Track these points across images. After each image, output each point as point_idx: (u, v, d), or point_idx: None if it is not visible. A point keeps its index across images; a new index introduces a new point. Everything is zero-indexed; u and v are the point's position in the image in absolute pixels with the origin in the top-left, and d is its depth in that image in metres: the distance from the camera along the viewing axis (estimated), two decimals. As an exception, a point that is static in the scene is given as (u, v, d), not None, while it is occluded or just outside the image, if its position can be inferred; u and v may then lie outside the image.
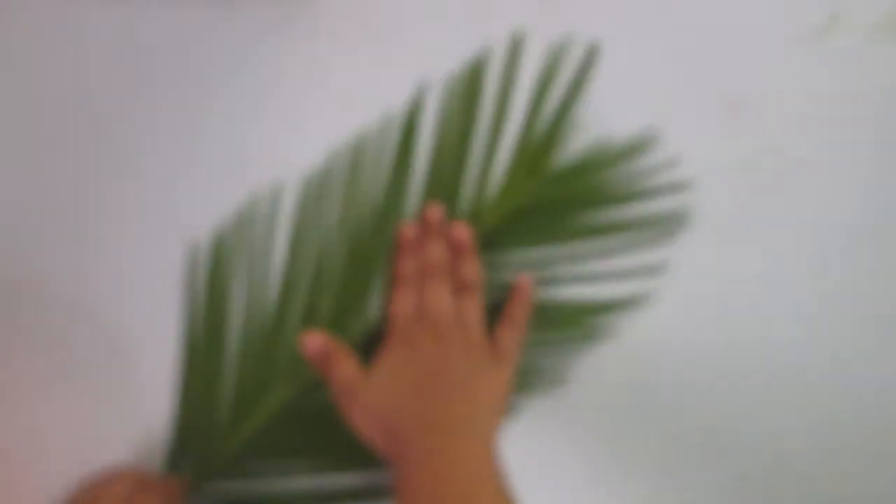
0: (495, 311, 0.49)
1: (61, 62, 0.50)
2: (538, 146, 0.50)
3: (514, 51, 0.51)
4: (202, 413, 0.47)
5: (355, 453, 0.46)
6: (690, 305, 0.50)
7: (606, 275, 0.50)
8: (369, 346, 0.48)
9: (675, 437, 0.49)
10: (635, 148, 0.51)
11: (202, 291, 0.48)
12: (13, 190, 0.49)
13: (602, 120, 0.51)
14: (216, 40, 0.50)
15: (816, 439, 0.49)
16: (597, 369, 0.49)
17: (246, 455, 0.47)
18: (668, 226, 0.50)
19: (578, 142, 0.51)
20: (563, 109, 0.51)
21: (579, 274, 0.50)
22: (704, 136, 0.51)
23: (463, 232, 0.49)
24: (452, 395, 0.44)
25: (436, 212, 0.49)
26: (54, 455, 0.46)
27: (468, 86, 0.51)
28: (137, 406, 0.47)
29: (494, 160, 0.50)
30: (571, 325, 0.50)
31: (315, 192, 0.49)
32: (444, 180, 0.50)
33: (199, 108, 0.50)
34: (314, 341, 0.46)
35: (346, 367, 0.45)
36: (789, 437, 0.49)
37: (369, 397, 0.44)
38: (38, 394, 0.47)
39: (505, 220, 0.50)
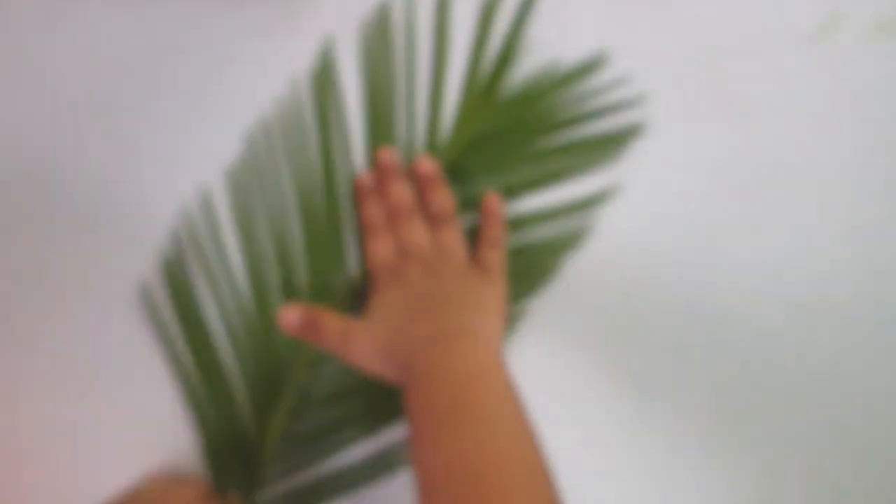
0: (472, 237, 0.48)
1: (61, 61, 0.50)
2: (488, 74, 0.51)
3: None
4: (225, 431, 0.46)
5: (387, 398, 0.47)
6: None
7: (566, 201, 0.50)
8: (356, 304, 0.48)
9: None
10: (586, 68, 0.51)
11: (172, 313, 0.47)
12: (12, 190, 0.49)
13: (551, 43, 0.52)
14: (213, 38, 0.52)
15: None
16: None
17: (285, 450, 0.46)
18: (622, 140, 0.51)
19: (529, 66, 0.51)
20: (511, 35, 0.51)
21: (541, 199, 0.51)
22: (704, 136, 0.52)
23: (427, 164, 0.49)
24: (450, 308, 0.44)
25: (388, 154, 0.49)
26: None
27: (401, 22, 0.52)
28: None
29: (443, 94, 0.51)
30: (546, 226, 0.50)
31: (246, 177, 0.49)
32: (384, 124, 0.50)
33: (195, 107, 0.51)
34: (290, 315, 0.44)
35: (332, 323, 0.44)
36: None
37: (367, 336, 0.43)
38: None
39: (461, 152, 0.50)
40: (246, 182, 0.49)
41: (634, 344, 0.49)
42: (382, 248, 0.47)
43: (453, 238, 0.48)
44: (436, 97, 0.50)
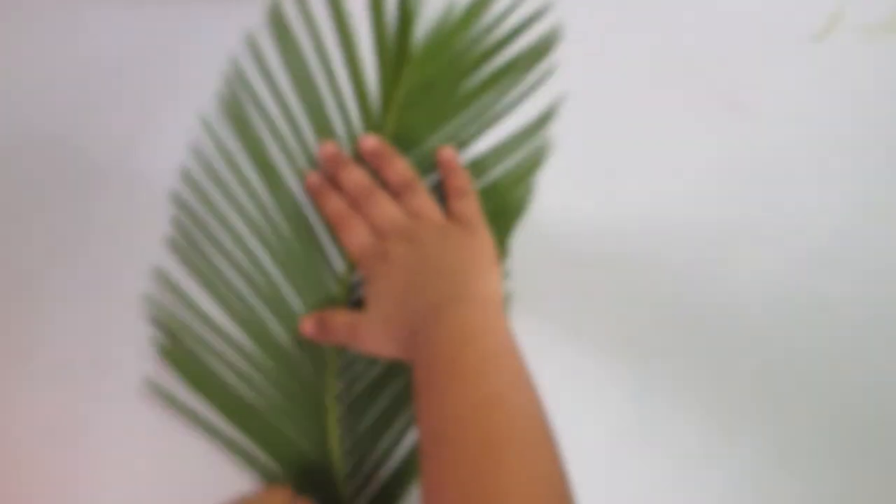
0: (440, 196, 0.48)
1: (61, 61, 0.51)
2: (394, 36, 0.50)
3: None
4: (292, 453, 0.47)
5: None
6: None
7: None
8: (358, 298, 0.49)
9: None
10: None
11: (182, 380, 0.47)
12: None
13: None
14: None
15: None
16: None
17: (353, 460, 0.47)
18: (543, 50, 0.51)
19: (434, 11, 0.51)
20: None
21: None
22: (704, 136, 0.51)
23: (370, 140, 0.49)
24: (441, 275, 0.44)
25: (329, 147, 0.49)
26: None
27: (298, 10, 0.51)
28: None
29: (361, 71, 0.50)
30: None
31: (188, 197, 0.49)
32: (318, 115, 0.49)
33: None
34: (306, 323, 0.47)
35: (339, 318, 0.46)
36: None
37: (371, 322, 0.45)
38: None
39: (398, 119, 0.50)
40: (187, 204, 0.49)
41: (633, 346, 0.50)
42: (357, 237, 0.47)
43: (423, 202, 0.48)
44: (356, 75, 0.50)
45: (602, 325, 0.50)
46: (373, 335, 0.44)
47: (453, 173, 0.48)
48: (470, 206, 0.47)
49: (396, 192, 0.48)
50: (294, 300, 0.48)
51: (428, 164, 0.49)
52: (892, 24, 0.51)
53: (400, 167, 0.48)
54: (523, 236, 0.50)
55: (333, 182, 0.48)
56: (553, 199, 0.51)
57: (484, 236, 0.46)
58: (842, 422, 0.49)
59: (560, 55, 0.52)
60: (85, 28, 0.51)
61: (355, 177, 0.48)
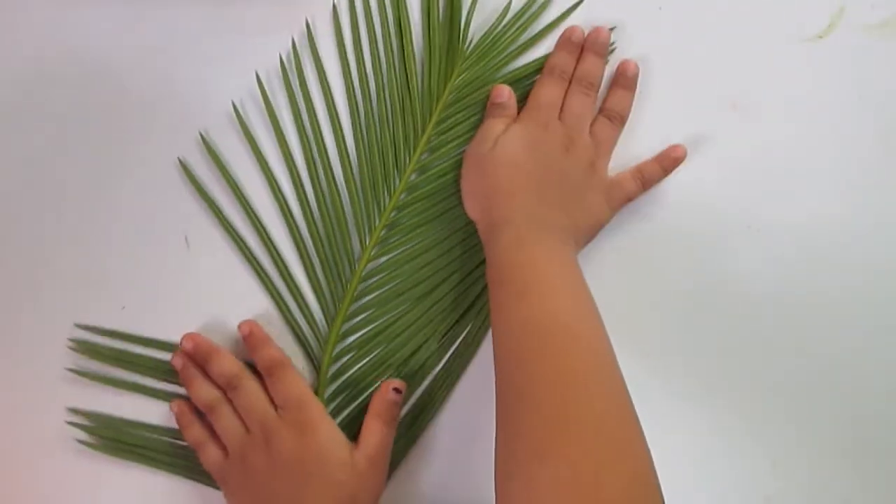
0: None
1: (61, 60, 0.53)
2: (446, 31, 0.52)
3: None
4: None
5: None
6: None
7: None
8: None
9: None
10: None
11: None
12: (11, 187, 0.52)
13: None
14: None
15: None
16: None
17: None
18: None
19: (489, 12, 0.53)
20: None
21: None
22: (705, 136, 0.52)
23: (630, 64, 0.51)
24: (556, 201, 0.47)
25: (575, 31, 0.51)
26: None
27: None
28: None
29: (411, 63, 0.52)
30: None
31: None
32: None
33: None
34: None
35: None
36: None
37: (495, 156, 0.48)
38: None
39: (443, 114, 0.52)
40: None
41: (633, 346, 0.49)
42: (548, 92, 0.50)
43: (608, 138, 0.50)
44: (407, 70, 0.52)
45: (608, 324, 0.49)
46: (481, 174, 0.49)
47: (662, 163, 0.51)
48: (629, 197, 0.50)
49: (603, 111, 0.51)
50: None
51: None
52: (893, 24, 0.52)
53: (626, 102, 0.51)
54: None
55: (575, 48, 0.51)
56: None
57: (608, 216, 0.50)
58: (842, 421, 0.50)
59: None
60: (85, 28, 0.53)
61: (594, 65, 0.50)
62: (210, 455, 0.48)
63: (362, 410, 0.49)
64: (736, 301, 0.51)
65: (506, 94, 0.50)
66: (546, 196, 0.47)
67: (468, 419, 0.50)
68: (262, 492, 0.46)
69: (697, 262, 0.51)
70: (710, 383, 0.51)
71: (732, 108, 0.52)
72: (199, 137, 0.52)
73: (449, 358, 0.51)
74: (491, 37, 0.52)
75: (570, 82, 0.50)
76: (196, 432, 0.49)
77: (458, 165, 0.51)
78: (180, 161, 0.52)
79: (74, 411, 0.50)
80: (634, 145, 0.52)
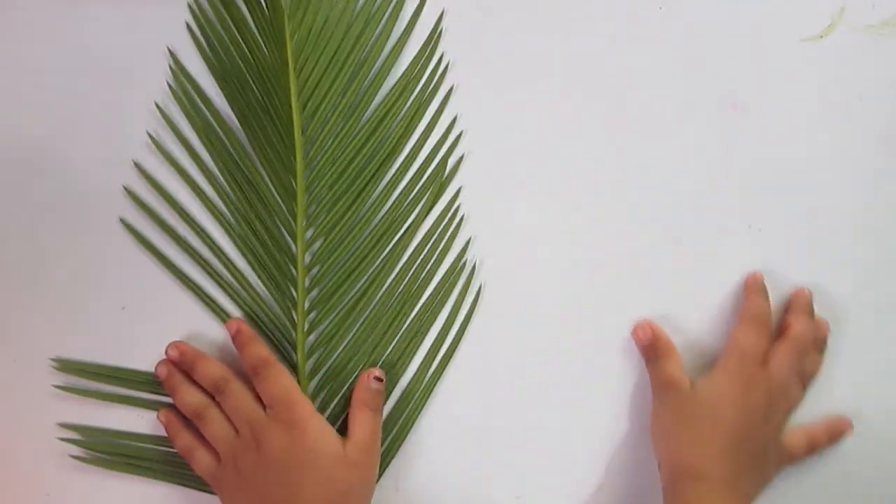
0: None
1: (60, 60, 0.52)
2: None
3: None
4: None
5: None
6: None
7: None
8: None
9: None
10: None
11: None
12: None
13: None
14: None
15: None
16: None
17: None
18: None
19: None
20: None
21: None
22: (705, 136, 0.52)
23: (824, 325, 0.51)
24: (748, 461, 0.47)
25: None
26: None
27: None
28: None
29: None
30: None
31: None
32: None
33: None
34: (643, 331, 0.50)
35: (673, 366, 0.49)
36: None
37: (693, 405, 0.48)
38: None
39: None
40: None
41: (632, 347, 0.51)
42: (749, 340, 0.49)
43: (797, 397, 0.51)
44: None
45: (601, 325, 0.51)
46: (674, 418, 0.48)
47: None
48: (805, 456, 0.50)
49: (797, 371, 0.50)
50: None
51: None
52: (893, 24, 0.51)
53: (815, 362, 0.50)
54: (522, 234, 0.51)
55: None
56: (553, 198, 0.51)
57: (775, 475, 0.49)
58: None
59: (561, 55, 0.52)
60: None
61: (806, 327, 0.50)
62: (202, 462, 0.48)
63: (347, 403, 0.49)
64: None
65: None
66: (739, 457, 0.47)
67: (456, 413, 0.51)
68: (257, 493, 0.46)
69: (695, 261, 0.51)
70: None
71: (732, 108, 0.52)
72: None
73: (430, 349, 0.51)
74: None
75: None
76: (185, 440, 0.49)
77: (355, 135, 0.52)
78: (125, 188, 0.52)
79: (65, 426, 0.50)
80: (635, 146, 0.52)
